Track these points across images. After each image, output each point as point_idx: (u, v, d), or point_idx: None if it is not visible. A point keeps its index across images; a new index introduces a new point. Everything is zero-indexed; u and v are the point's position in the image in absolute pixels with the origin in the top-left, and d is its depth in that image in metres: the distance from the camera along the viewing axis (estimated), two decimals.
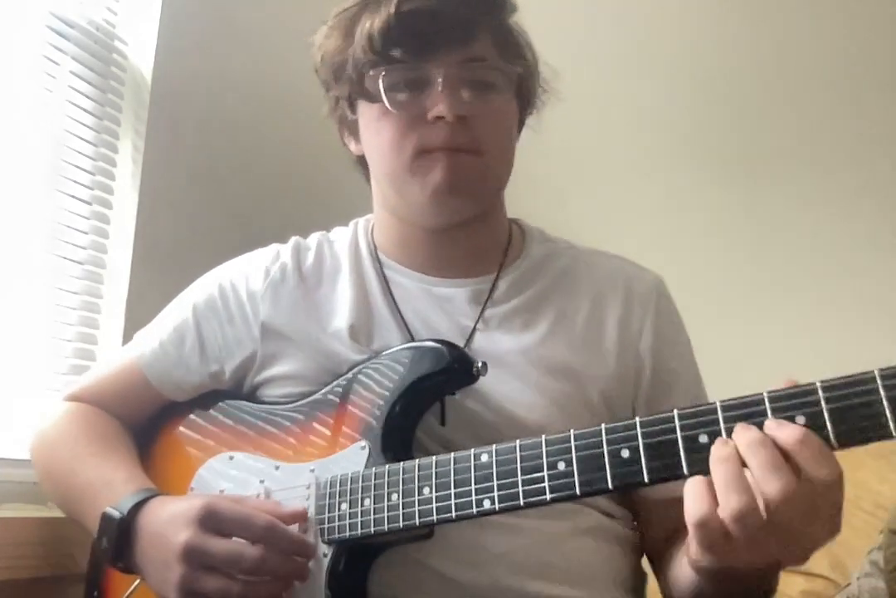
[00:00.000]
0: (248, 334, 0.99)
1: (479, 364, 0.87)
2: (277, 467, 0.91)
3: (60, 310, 1.36)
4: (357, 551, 0.83)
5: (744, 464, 0.63)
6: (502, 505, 0.73)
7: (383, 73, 0.91)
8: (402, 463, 0.81)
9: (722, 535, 0.64)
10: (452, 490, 0.76)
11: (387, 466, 0.82)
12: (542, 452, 0.73)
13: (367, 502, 0.81)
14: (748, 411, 0.65)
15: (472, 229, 0.99)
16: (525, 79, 0.99)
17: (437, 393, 0.90)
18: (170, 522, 0.81)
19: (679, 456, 0.66)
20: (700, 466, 0.65)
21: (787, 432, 0.62)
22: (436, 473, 0.78)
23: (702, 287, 1.74)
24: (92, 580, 0.99)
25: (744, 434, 0.63)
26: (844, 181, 1.91)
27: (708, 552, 0.66)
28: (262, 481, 0.91)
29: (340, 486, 0.84)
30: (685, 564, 0.75)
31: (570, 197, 2.07)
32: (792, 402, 0.63)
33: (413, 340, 0.94)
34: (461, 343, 0.93)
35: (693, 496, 0.64)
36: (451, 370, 0.87)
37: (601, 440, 0.70)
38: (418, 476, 0.79)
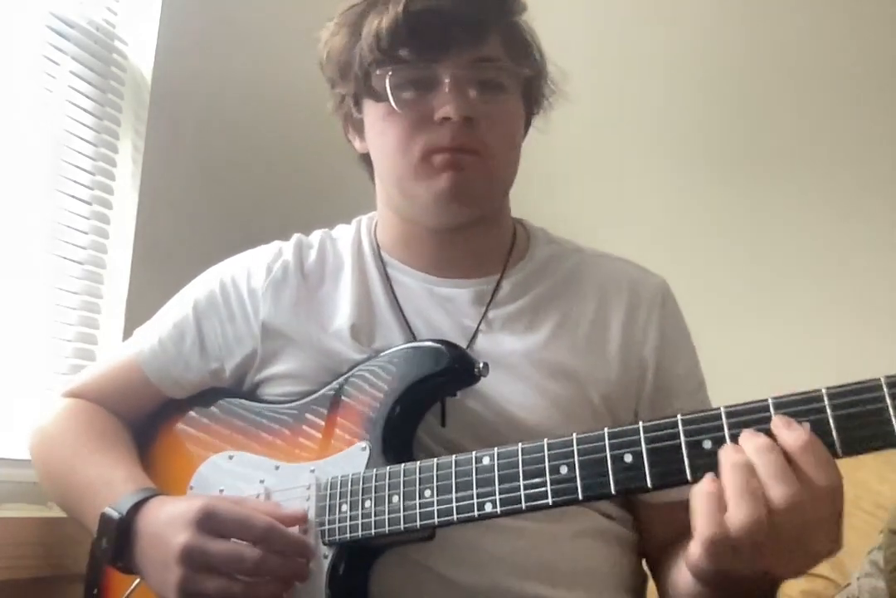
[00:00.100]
0: (249, 333, 0.99)
1: (481, 365, 0.86)
2: (277, 467, 0.91)
3: (60, 310, 1.36)
4: (358, 552, 0.83)
5: None
6: (504, 509, 0.73)
7: (390, 72, 0.91)
8: (402, 465, 0.80)
9: (729, 546, 0.63)
10: (454, 493, 0.76)
11: (387, 467, 0.82)
12: (544, 455, 0.72)
13: (367, 503, 0.81)
14: (753, 417, 0.64)
15: (476, 230, 0.99)
16: (533, 79, 0.98)
17: (438, 394, 0.89)
18: (168, 523, 0.81)
19: (683, 462, 0.66)
20: (703, 472, 0.65)
21: (793, 435, 0.62)
22: (437, 475, 0.78)
23: (704, 288, 1.74)
24: (92, 578, 0.99)
25: (751, 440, 0.63)
26: (847, 182, 1.91)
27: (711, 560, 0.66)
28: (261, 481, 0.90)
29: (341, 487, 0.84)
30: (684, 568, 0.74)
31: (572, 197, 2.07)
32: (797, 408, 0.63)
33: (415, 340, 0.94)
34: (463, 344, 0.93)
35: (703, 513, 0.64)
36: (452, 371, 0.87)
37: (604, 445, 0.69)
38: (419, 478, 0.79)
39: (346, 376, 0.93)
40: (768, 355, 1.83)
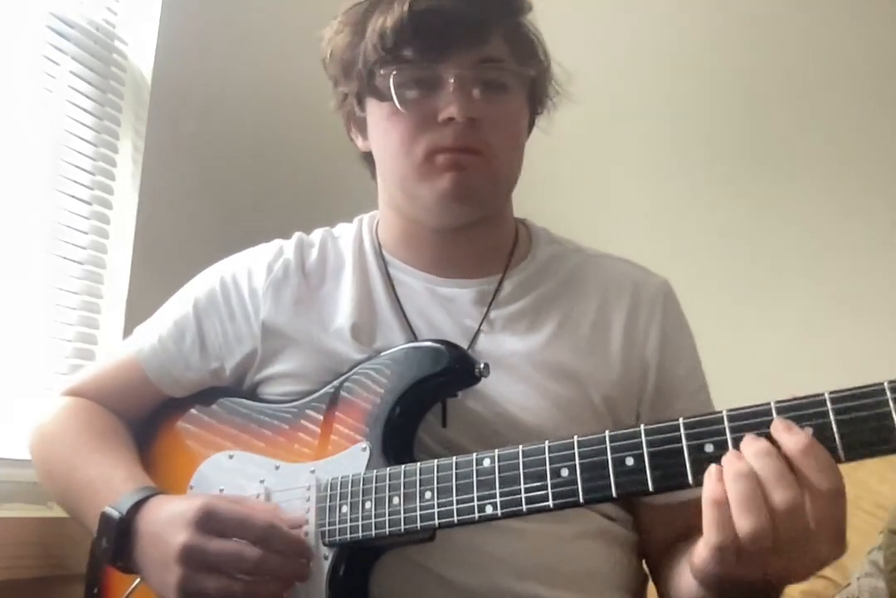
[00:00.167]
0: (249, 332, 0.99)
1: (481, 366, 0.86)
2: (277, 467, 0.91)
3: (60, 310, 1.36)
4: (358, 553, 0.83)
5: None
6: (504, 511, 0.73)
7: (394, 72, 0.90)
8: (403, 466, 0.80)
9: (735, 553, 0.63)
10: (454, 495, 0.76)
11: (388, 469, 0.82)
12: (545, 458, 0.72)
13: (367, 504, 0.81)
14: (755, 421, 0.64)
15: (478, 230, 0.98)
16: (538, 80, 0.98)
17: (438, 394, 0.89)
18: (168, 523, 0.81)
19: (684, 466, 0.65)
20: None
21: (793, 439, 0.61)
22: (437, 477, 0.77)
23: (705, 288, 1.73)
24: (92, 578, 0.99)
25: (752, 444, 0.63)
26: (848, 181, 1.91)
27: (718, 566, 0.66)
28: (262, 481, 0.90)
29: (341, 488, 0.84)
30: (687, 572, 0.74)
31: (573, 196, 2.07)
32: (800, 413, 0.63)
33: (415, 340, 0.94)
34: (465, 344, 0.93)
35: (710, 520, 0.64)
36: (452, 371, 0.87)
37: (605, 448, 0.69)
38: (420, 480, 0.78)
39: (346, 375, 0.92)
40: (769, 354, 1.83)
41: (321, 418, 0.92)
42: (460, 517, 0.75)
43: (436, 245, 1.00)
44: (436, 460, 0.78)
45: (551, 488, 0.71)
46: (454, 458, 0.77)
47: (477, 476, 0.75)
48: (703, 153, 2.06)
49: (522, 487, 0.72)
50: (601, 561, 0.90)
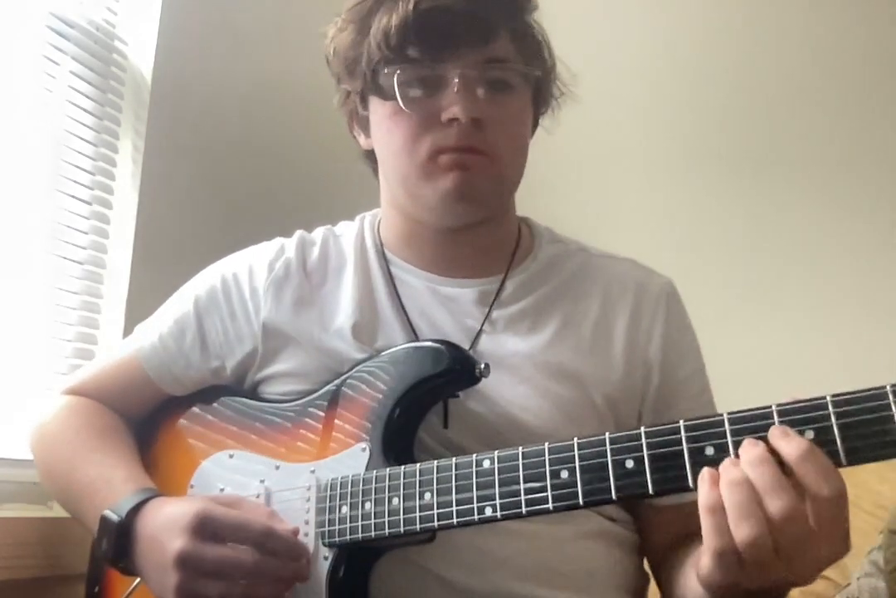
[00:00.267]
0: (250, 332, 0.98)
1: (482, 366, 0.86)
2: (278, 467, 0.91)
3: (60, 310, 1.36)
4: (358, 553, 0.83)
5: None
6: (504, 513, 0.73)
7: (398, 71, 0.90)
8: (403, 467, 0.80)
9: (737, 560, 0.63)
10: (454, 496, 0.76)
11: (387, 469, 0.81)
12: (544, 460, 0.72)
13: (367, 505, 0.81)
14: (756, 424, 0.64)
15: (481, 230, 0.98)
16: (542, 79, 0.97)
17: (439, 394, 0.89)
18: (165, 527, 0.81)
19: (685, 468, 0.65)
20: None
21: (791, 445, 0.61)
22: (437, 478, 0.77)
23: (707, 288, 1.73)
24: (93, 576, 0.99)
25: (749, 450, 0.63)
26: (848, 181, 1.91)
27: (722, 573, 0.65)
28: (262, 481, 0.90)
29: (341, 489, 0.84)
30: (693, 578, 0.74)
31: (576, 196, 2.06)
32: (801, 416, 0.62)
33: (416, 339, 0.94)
34: (466, 345, 0.93)
35: (709, 527, 0.63)
36: (452, 372, 0.87)
37: (605, 450, 0.69)
38: (419, 481, 0.78)
39: (346, 375, 0.92)
40: (771, 355, 1.83)
41: (322, 417, 0.92)
42: (460, 519, 0.75)
43: (438, 244, 0.99)
44: (435, 461, 0.78)
45: (551, 490, 0.71)
46: (454, 459, 0.77)
47: (477, 477, 0.75)
48: (706, 154, 2.06)
49: (522, 488, 0.72)
50: (602, 562, 0.90)
